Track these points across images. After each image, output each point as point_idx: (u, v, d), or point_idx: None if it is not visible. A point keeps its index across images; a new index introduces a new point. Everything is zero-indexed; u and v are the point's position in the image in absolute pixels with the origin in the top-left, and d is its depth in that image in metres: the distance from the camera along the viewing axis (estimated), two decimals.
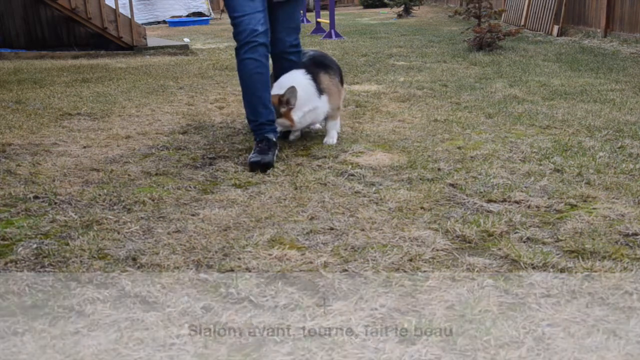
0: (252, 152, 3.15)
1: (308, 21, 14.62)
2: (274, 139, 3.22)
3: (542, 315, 1.66)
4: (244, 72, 3.15)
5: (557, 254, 2.03)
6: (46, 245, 2.17)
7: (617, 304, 1.70)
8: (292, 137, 3.67)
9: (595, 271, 1.88)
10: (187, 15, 17.06)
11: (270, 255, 2.06)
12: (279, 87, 3.30)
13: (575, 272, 1.88)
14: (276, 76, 3.48)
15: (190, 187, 2.82)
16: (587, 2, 9.30)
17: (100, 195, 2.69)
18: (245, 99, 3.23)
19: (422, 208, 2.49)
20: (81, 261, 2.04)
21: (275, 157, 3.17)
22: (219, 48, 9.46)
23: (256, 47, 3.09)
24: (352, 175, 2.95)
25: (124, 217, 2.44)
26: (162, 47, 8.94)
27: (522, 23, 11.11)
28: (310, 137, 3.72)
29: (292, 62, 3.49)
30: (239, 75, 3.18)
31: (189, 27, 14.87)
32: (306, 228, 2.31)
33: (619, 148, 3.30)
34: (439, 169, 3.00)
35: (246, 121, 3.42)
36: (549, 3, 10.16)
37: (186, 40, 10.40)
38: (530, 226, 2.28)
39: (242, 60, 3.13)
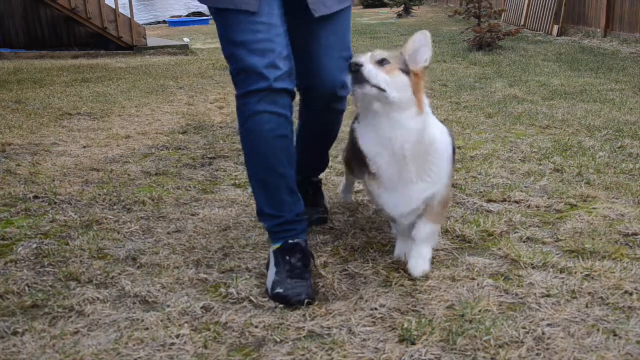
0: (275, 275, 1.86)
1: None
2: (307, 246, 1.94)
3: (542, 315, 1.66)
4: (255, 134, 1.87)
5: (557, 254, 2.03)
6: (46, 245, 2.16)
7: (617, 304, 1.70)
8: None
9: (595, 271, 1.88)
10: (187, 15, 17.07)
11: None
12: None
13: (575, 272, 1.88)
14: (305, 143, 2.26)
15: (190, 187, 2.82)
16: (587, 2, 9.29)
17: (100, 195, 2.69)
18: (256, 177, 1.94)
19: None
20: (81, 261, 2.04)
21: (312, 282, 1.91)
22: (219, 48, 9.45)
23: (275, 95, 1.83)
24: None
25: (124, 217, 2.44)
26: (162, 47, 8.94)
27: (522, 23, 11.11)
28: None
29: (340, 115, 2.20)
30: (243, 137, 1.92)
31: (189, 27, 14.87)
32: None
33: (619, 148, 3.30)
34: None
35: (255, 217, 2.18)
36: (549, 3, 10.16)
37: (186, 40, 10.40)
38: (530, 226, 2.28)
39: (252, 116, 1.84)
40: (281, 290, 1.79)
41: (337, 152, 3.34)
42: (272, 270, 1.89)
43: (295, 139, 2.03)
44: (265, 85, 1.80)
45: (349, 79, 1.76)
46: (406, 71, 1.81)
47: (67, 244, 2.17)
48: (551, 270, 1.92)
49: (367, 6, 20.76)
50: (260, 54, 1.79)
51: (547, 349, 1.50)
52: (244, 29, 1.81)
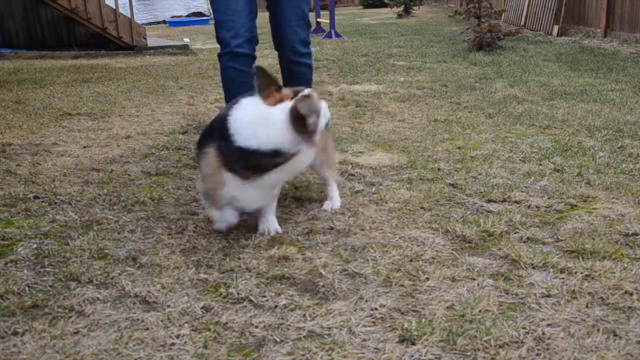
0: None
1: None
2: None
3: (542, 315, 1.66)
4: (226, 80, 2.95)
5: (557, 254, 2.03)
6: (46, 245, 2.16)
7: (617, 304, 1.70)
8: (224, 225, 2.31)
9: (595, 271, 1.88)
10: (187, 15, 17.06)
11: (270, 255, 2.06)
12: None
13: (575, 272, 1.88)
14: (285, 85, 3.11)
15: (190, 187, 2.82)
16: (587, 2, 9.29)
17: (100, 195, 2.69)
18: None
19: (422, 208, 2.49)
20: (81, 261, 2.04)
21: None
22: (218, 48, 9.45)
23: (238, 57, 2.88)
24: (352, 175, 2.95)
25: (124, 217, 2.44)
26: (162, 47, 8.94)
27: (522, 23, 11.11)
28: None
29: (303, 67, 3.06)
30: (222, 82, 2.99)
31: (189, 27, 14.87)
32: (306, 228, 2.30)
33: (619, 148, 3.30)
34: (439, 169, 3.00)
35: None
36: (549, 3, 10.16)
37: (186, 40, 10.40)
38: (530, 226, 2.28)
39: (223, 68, 2.94)
40: None
41: (337, 152, 3.34)
42: None
43: None
44: (228, 50, 2.87)
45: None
46: None
47: (67, 244, 2.17)
48: (551, 270, 1.92)
49: (367, 6, 20.77)
50: (227, 29, 2.86)
51: (547, 349, 1.50)
52: (219, 11, 2.88)
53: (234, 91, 2.87)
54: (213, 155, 2.08)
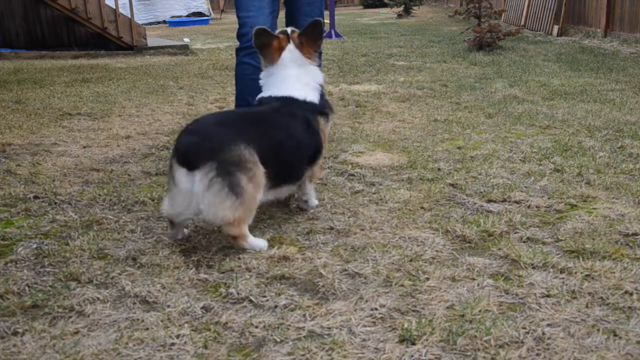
0: None
1: None
2: None
3: (542, 315, 1.66)
4: (239, 75, 3.14)
5: (557, 254, 2.03)
6: (46, 245, 2.16)
7: (617, 304, 1.70)
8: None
9: (595, 271, 1.88)
10: (187, 15, 17.06)
11: (270, 255, 2.06)
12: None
13: (575, 272, 1.88)
14: None
15: None
16: (587, 2, 9.29)
17: (100, 195, 2.69)
18: (237, 101, 3.22)
19: (422, 208, 2.49)
20: (81, 261, 2.04)
21: None
22: (219, 48, 9.46)
23: (255, 53, 3.00)
24: (352, 175, 2.95)
25: (124, 217, 2.44)
26: (162, 47, 8.94)
27: (522, 23, 11.11)
28: None
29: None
30: (235, 76, 3.19)
31: (189, 27, 14.87)
32: (306, 228, 2.31)
33: (619, 148, 3.30)
34: (439, 169, 3.00)
35: None
36: (549, 3, 10.16)
37: (186, 40, 10.40)
38: (530, 226, 2.28)
39: (239, 63, 3.12)
40: None
41: (337, 152, 3.34)
42: None
43: None
44: (247, 45, 2.98)
45: None
46: None
47: (67, 244, 2.17)
48: (551, 270, 1.92)
49: (367, 6, 20.76)
50: (249, 26, 2.94)
51: (547, 349, 1.50)
52: (242, 8, 3.03)
53: (245, 86, 3.07)
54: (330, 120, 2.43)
